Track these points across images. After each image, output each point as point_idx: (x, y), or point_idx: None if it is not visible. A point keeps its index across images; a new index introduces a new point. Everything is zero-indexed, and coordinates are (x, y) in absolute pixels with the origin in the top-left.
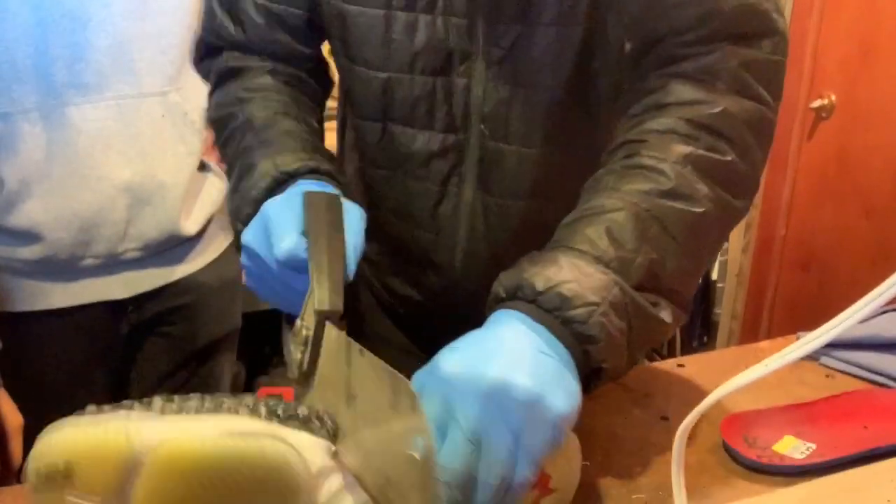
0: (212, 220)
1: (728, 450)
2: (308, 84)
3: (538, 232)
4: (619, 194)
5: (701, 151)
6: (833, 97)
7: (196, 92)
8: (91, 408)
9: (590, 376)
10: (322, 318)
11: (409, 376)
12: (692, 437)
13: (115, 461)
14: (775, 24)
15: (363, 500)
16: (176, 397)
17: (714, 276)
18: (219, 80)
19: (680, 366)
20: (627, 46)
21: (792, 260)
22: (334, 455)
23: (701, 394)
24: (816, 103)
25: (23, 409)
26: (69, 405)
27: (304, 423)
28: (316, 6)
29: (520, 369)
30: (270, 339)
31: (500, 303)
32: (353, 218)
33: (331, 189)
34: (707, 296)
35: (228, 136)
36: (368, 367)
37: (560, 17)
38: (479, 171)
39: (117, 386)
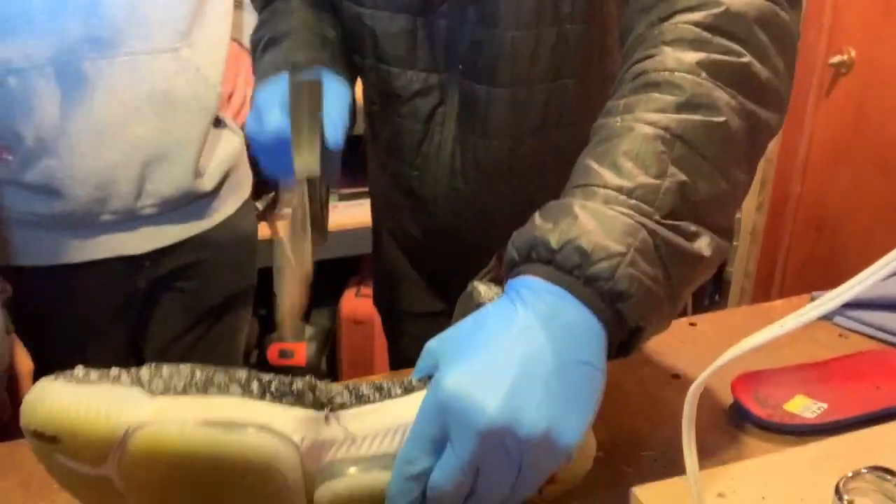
0: (228, 177)
1: (739, 408)
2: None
3: (516, 171)
4: (632, 117)
5: (714, 56)
6: (853, 53)
7: (209, 48)
8: (78, 371)
9: (629, 337)
10: (302, 181)
11: (422, 313)
12: (703, 395)
13: (96, 439)
14: None
15: (364, 466)
16: (165, 368)
17: None
18: (260, 7)
19: (692, 324)
20: None
21: (806, 219)
22: (327, 421)
23: (713, 352)
24: (836, 59)
25: (37, 360)
26: (84, 359)
27: (298, 398)
28: None
29: (528, 399)
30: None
31: (515, 266)
32: (337, 94)
33: (321, 70)
34: None
35: (259, 54)
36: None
37: None
38: (458, 111)
39: (133, 341)
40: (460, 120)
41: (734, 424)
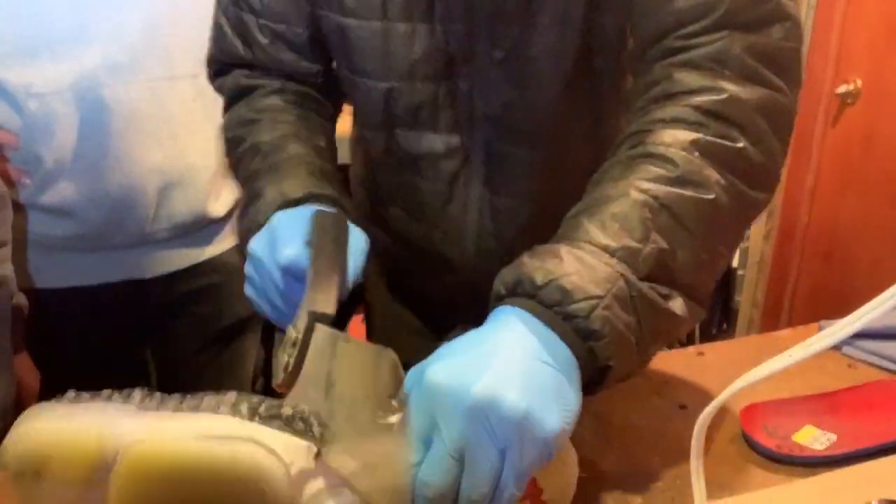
0: (240, 202)
1: (747, 439)
2: (317, 101)
3: (548, 228)
4: (625, 183)
5: (709, 138)
6: (859, 82)
7: None
8: (70, 394)
9: (598, 375)
10: (313, 318)
11: (423, 357)
12: (711, 426)
13: (85, 460)
14: (785, 10)
15: (348, 503)
16: (157, 393)
17: (735, 263)
18: (230, 99)
19: (700, 354)
20: (631, 42)
21: (814, 248)
22: (317, 456)
23: (720, 382)
24: (842, 89)
25: (48, 380)
26: (94, 381)
27: (288, 423)
28: (317, 22)
29: (510, 383)
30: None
31: (500, 300)
32: (357, 240)
33: (339, 211)
34: (727, 283)
35: (238, 158)
36: (354, 351)
37: (559, 17)
38: (485, 172)
39: (143, 363)
40: (487, 180)
41: (742, 455)
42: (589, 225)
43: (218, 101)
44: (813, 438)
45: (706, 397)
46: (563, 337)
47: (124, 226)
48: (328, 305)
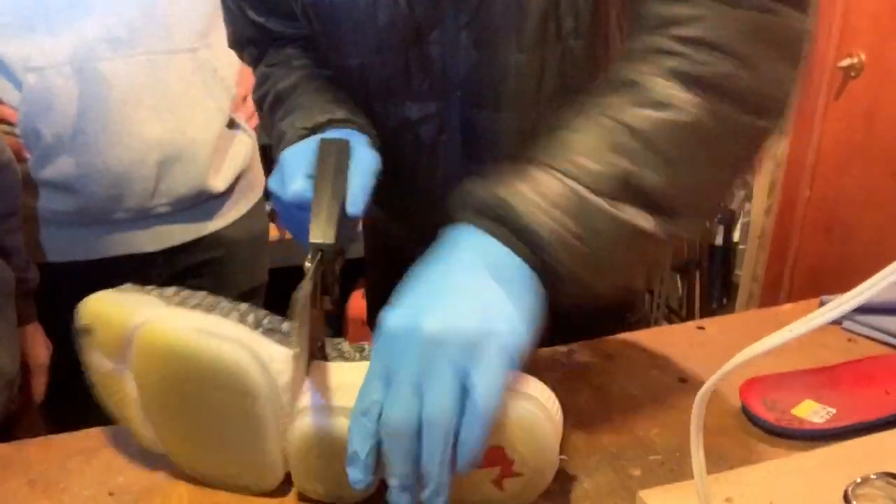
0: (241, 177)
1: (747, 413)
2: None
3: None
4: (591, 106)
5: (690, 65)
6: (862, 56)
7: (226, 49)
8: (126, 286)
9: (560, 286)
10: (316, 249)
11: None
12: (710, 399)
13: (117, 331)
14: None
15: (326, 427)
16: (185, 291)
17: (735, 237)
18: (252, 65)
19: (700, 328)
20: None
21: (815, 222)
22: (308, 371)
23: (721, 356)
24: (845, 62)
25: (58, 353)
26: None
27: (285, 338)
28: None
29: (458, 309)
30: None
31: (453, 216)
32: (363, 160)
33: (349, 133)
34: (728, 257)
35: (267, 112)
36: None
37: None
38: (461, 139)
39: None
40: (465, 149)
41: (742, 429)
42: (546, 148)
43: (217, 75)
44: (812, 412)
45: (706, 371)
46: (516, 251)
47: (125, 200)
48: (327, 234)
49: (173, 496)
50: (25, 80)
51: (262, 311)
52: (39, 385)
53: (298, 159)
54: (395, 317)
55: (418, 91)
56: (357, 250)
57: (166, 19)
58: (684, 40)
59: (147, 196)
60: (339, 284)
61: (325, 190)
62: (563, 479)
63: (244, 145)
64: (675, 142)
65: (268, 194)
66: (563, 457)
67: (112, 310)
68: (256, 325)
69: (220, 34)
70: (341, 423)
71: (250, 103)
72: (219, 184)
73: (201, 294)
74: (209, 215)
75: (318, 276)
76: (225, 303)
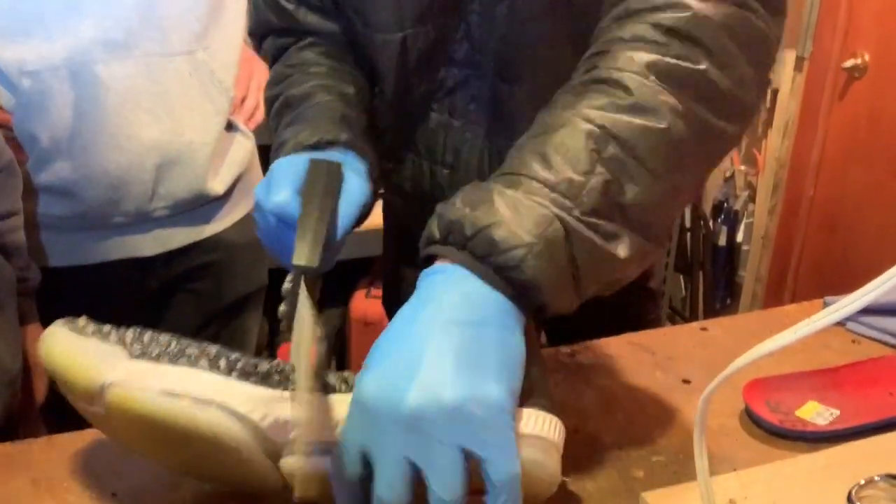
0: (239, 180)
1: (750, 414)
2: (348, 54)
3: None
4: (572, 112)
5: (668, 59)
6: (867, 57)
7: (223, 51)
8: (81, 320)
9: (538, 312)
10: (298, 272)
11: None
12: (714, 400)
13: (81, 387)
14: None
15: (318, 465)
16: (147, 335)
17: (739, 237)
18: (271, 64)
19: (703, 329)
20: None
21: (819, 223)
22: (292, 404)
23: (724, 357)
24: (849, 63)
25: None
26: None
27: (264, 379)
28: None
29: (442, 379)
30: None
31: (432, 244)
32: (354, 189)
33: (349, 159)
34: (731, 257)
35: (273, 115)
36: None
37: None
38: (490, 111)
39: None
40: (489, 121)
41: (745, 430)
42: (530, 158)
43: (215, 77)
44: (816, 414)
45: (710, 372)
46: (495, 287)
47: (123, 204)
48: (311, 258)
49: (176, 496)
50: (20, 84)
51: (234, 354)
52: (41, 385)
53: (288, 172)
54: (372, 387)
55: (455, 58)
56: (359, 251)
57: (162, 22)
58: (665, 29)
59: (145, 200)
60: (316, 307)
61: (313, 211)
62: (565, 480)
63: (243, 148)
64: (653, 149)
65: None
66: (565, 478)
67: (73, 362)
68: (229, 371)
69: (219, 36)
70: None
71: (248, 105)
72: (217, 187)
73: (165, 339)
74: (208, 218)
75: (308, 297)
76: (192, 348)
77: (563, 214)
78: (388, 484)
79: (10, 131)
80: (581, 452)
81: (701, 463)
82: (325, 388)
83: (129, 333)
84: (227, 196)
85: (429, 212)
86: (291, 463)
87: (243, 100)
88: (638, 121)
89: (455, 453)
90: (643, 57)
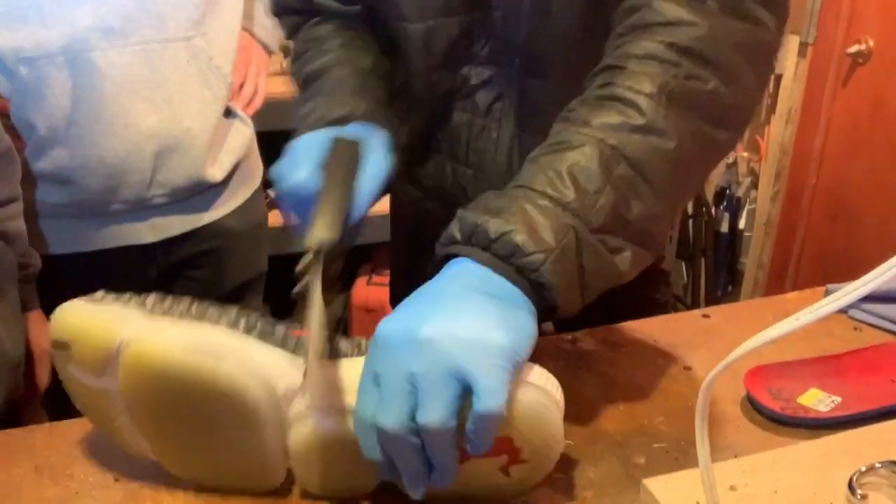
0: (238, 166)
1: (752, 401)
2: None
3: None
4: (588, 129)
5: (680, 80)
6: (871, 42)
7: (221, 37)
8: (99, 293)
9: (543, 314)
10: (315, 249)
11: None
12: (715, 387)
13: (98, 348)
14: None
15: (327, 427)
16: (168, 298)
17: (741, 224)
18: (288, 36)
19: (705, 316)
20: None
21: (821, 210)
22: (305, 374)
23: (726, 345)
24: (853, 49)
25: None
26: None
27: (281, 342)
28: None
29: (456, 318)
30: (295, 283)
31: (453, 244)
32: (374, 165)
33: (368, 131)
34: (733, 245)
35: (297, 93)
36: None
37: None
38: (517, 108)
39: None
40: (519, 117)
41: (747, 417)
42: (545, 174)
43: (212, 64)
44: (818, 401)
45: (711, 359)
46: (516, 284)
47: (121, 192)
48: (329, 235)
49: (179, 483)
50: (17, 72)
51: (254, 315)
52: (43, 372)
53: (309, 150)
54: (389, 325)
55: (479, 56)
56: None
57: (159, 8)
58: (678, 49)
59: (143, 187)
60: (335, 284)
61: (333, 189)
62: (567, 468)
63: (241, 134)
64: (661, 168)
65: (267, 183)
66: (568, 441)
67: (91, 325)
68: (248, 330)
69: (216, 22)
70: (342, 423)
71: (247, 91)
72: (216, 173)
73: (186, 300)
74: (207, 205)
75: (321, 274)
76: (213, 309)
77: (577, 225)
78: (389, 408)
79: (7, 119)
80: (582, 439)
81: (702, 450)
82: (338, 354)
83: (151, 298)
84: (225, 183)
85: (448, 209)
86: (300, 429)
87: (241, 86)
88: (649, 142)
89: (451, 378)
90: (656, 77)
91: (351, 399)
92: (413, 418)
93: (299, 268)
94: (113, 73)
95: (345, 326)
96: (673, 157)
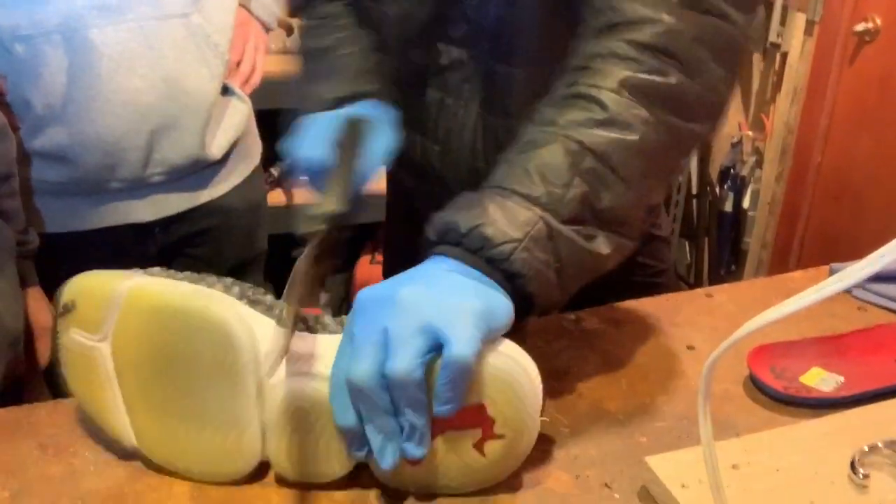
0: (236, 144)
1: (755, 381)
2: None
3: None
4: (555, 127)
5: (641, 75)
6: (878, 20)
7: (219, 14)
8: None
9: (523, 305)
10: (322, 220)
11: None
12: (718, 366)
13: (102, 300)
14: None
15: (301, 393)
16: (171, 271)
17: (745, 204)
18: (295, 11)
19: (708, 295)
20: None
21: (826, 189)
22: (283, 335)
23: (729, 324)
24: (860, 27)
25: None
26: None
27: (268, 310)
28: None
29: (434, 287)
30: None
31: (431, 246)
32: (381, 141)
33: (375, 109)
34: (737, 224)
35: (302, 67)
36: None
37: None
38: (482, 89)
39: None
40: (483, 99)
41: (749, 396)
42: (516, 172)
43: (210, 41)
44: (821, 380)
45: (714, 338)
46: (488, 276)
47: (118, 170)
48: (337, 206)
49: None
50: (14, 49)
51: (246, 284)
52: (44, 348)
53: (324, 129)
54: (368, 291)
55: (452, 37)
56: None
57: None
58: (639, 46)
59: (141, 165)
60: (345, 251)
61: (345, 167)
62: (569, 446)
63: (239, 112)
64: (627, 160)
65: (267, 162)
66: (543, 418)
67: (97, 282)
68: (241, 297)
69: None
70: (318, 388)
71: (244, 69)
72: (214, 151)
73: (185, 272)
74: (205, 183)
75: (322, 245)
76: (209, 277)
77: (547, 216)
78: (360, 360)
79: (2, 97)
80: (585, 418)
81: (705, 428)
82: (322, 329)
83: (155, 269)
84: (223, 161)
85: (418, 182)
86: (275, 397)
87: (238, 63)
88: (613, 134)
89: (422, 331)
90: (618, 74)
91: (324, 368)
92: (384, 374)
93: (305, 230)
94: (109, 50)
95: (349, 305)
96: (637, 147)
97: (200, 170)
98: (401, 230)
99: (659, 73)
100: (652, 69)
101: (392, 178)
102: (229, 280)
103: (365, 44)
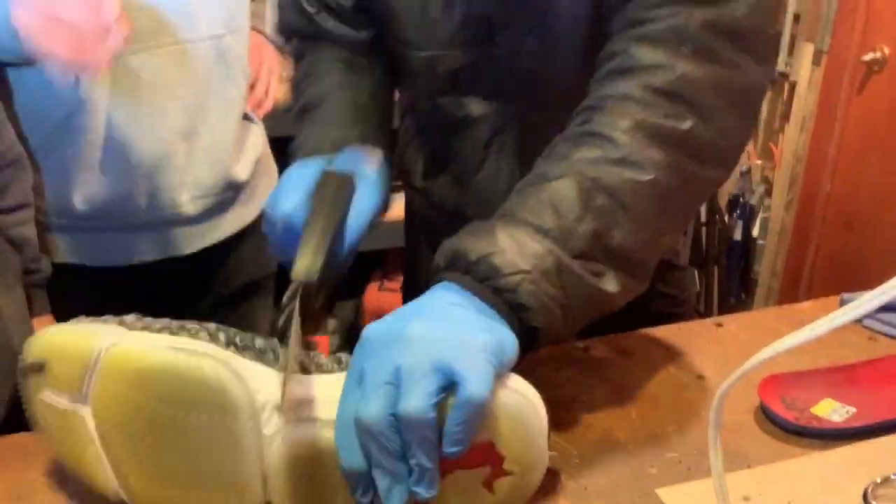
0: (258, 165)
1: (765, 411)
2: (367, 59)
3: None
4: (568, 163)
5: (655, 119)
6: (886, 50)
7: (243, 35)
8: (81, 318)
9: (527, 339)
10: (296, 285)
11: None
12: (728, 396)
13: (77, 361)
14: None
15: (302, 441)
16: (147, 317)
17: (755, 232)
18: (293, 60)
19: (718, 325)
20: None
21: (835, 218)
22: (284, 386)
23: (739, 354)
24: (868, 56)
25: None
26: None
27: (260, 355)
28: None
29: (442, 323)
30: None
31: (439, 272)
32: (364, 201)
33: (361, 162)
34: (747, 253)
35: (294, 120)
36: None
37: None
38: (517, 141)
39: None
40: (520, 150)
41: (760, 427)
42: (528, 203)
43: (240, 62)
44: (832, 411)
45: (724, 368)
46: (493, 307)
47: (159, 196)
48: (310, 272)
49: None
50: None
51: (232, 330)
52: None
53: (297, 180)
54: (374, 326)
55: (483, 88)
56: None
57: (189, 7)
58: (654, 91)
59: (177, 188)
60: (324, 314)
61: (317, 224)
62: (578, 476)
63: (256, 135)
64: (639, 199)
65: None
66: (552, 452)
67: (70, 339)
68: (228, 344)
69: (243, 21)
70: (322, 436)
71: (259, 91)
72: (241, 172)
73: (164, 319)
74: (233, 205)
75: (300, 310)
76: (192, 324)
77: (557, 250)
78: (371, 400)
79: (18, 126)
80: (594, 448)
81: (715, 460)
82: (318, 370)
83: (130, 316)
84: (248, 182)
85: (451, 228)
86: (276, 446)
87: (253, 86)
88: (625, 174)
89: (435, 370)
90: (632, 115)
91: (326, 412)
92: (395, 415)
93: (284, 301)
94: (146, 76)
95: (357, 332)
96: (649, 187)
97: (228, 191)
98: (419, 267)
99: (674, 116)
100: (666, 113)
101: (413, 211)
102: (212, 325)
103: (354, 94)
